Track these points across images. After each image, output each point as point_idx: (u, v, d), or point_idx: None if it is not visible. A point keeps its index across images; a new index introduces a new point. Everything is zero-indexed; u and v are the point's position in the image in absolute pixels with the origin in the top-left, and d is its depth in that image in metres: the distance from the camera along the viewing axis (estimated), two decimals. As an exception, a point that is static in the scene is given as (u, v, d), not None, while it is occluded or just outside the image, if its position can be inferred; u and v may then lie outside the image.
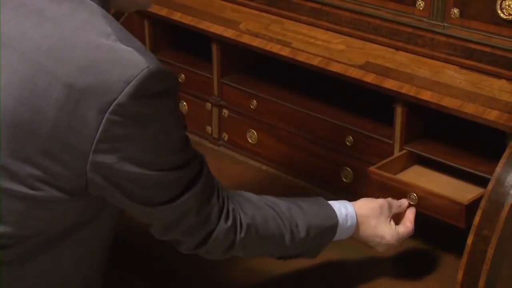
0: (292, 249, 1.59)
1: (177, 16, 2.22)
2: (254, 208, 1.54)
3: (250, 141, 2.17)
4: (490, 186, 1.56)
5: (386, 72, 1.83)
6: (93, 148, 1.33)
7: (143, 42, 2.32)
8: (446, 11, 1.77)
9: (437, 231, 1.82)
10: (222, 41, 2.13)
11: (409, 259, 1.80)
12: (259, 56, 2.08)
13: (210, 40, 2.17)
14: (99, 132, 1.32)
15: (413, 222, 1.72)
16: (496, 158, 1.60)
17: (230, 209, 1.49)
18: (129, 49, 1.34)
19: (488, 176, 1.62)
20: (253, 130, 2.16)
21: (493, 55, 1.71)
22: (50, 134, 1.34)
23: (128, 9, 1.65)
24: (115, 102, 1.31)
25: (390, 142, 1.88)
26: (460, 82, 1.74)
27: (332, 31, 1.98)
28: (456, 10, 1.76)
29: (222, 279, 1.75)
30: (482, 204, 1.55)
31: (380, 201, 1.70)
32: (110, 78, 1.31)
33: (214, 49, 2.17)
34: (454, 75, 1.76)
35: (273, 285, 1.75)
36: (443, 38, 1.79)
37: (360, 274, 1.76)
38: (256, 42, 2.04)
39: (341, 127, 1.98)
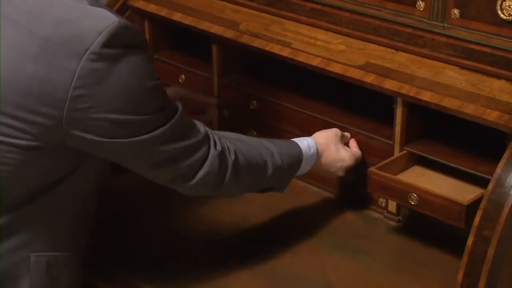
0: (271, 178, 1.70)
1: (177, 17, 2.23)
2: (236, 139, 1.68)
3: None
4: (490, 186, 1.56)
5: (386, 73, 1.83)
6: (69, 95, 1.43)
7: None
8: (446, 11, 1.77)
9: (437, 231, 1.84)
10: (222, 41, 2.13)
11: (409, 260, 1.80)
12: (259, 56, 2.08)
13: (210, 41, 2.17)
14: (74, 79, 1.42)
15: (358, 148, 1.92)
16: (496, 158, 1.60)
17: (216, 138, 1.62)
18: (101, 8, 1.47)
19: (488, 177, 1.61)
20: (253, 131, 2.16)
21: (493, 56, 1.71)
22: (27, 87, 1.44)
23: None
24: (89, 50, 1.41)
25: (390, 142, 1.88)
26: (460, 83, 1.74)
27: (332, 31, 1.98)
28: (456, 11, 1.76)
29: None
30: (482, 204, 1.55)
31: (333, 130, 1.89)
32: (83, 29, 1.43)
33: (214, 49, 2.18)
34: (454, 76, 1.76)
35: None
36: (443, 39, 1.79)
37: (360, 275, 1.76)
38: (256, 43, 2.04)
39: (341, 127, 1.97)
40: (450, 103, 1.72)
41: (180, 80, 2.29)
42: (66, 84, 1.43)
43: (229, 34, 2.10)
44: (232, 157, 1.62)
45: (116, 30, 1.42)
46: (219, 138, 1.62)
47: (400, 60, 1.85)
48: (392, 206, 1.92)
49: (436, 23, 1.79)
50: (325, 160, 1.84)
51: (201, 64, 2.26)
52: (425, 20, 1.81)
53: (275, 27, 2.06)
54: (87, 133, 1.47)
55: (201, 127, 1.60)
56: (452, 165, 1.79)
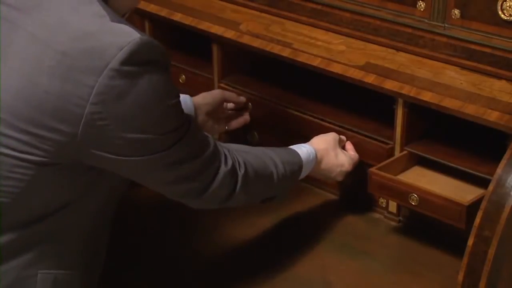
0: (276, 187, 1.70)
1: (177, 17, 2.23)
2: (243, 151, 1.65)
3: (251, 141, 2.16)
4: (491, 187, 1.56)
5: (386, 73, 1.83)
6: (86, 111, 1.38)
7: None
8: (447, 12, 1.77)
9: (438, 232, 1.84)
10: (222, 42, 2.13)
11: (410, 260, 1.80)
12: (259, 57, 2.08)
13: (211, 41, 2.17)
14: (92, 95, 1.37)
15: (355, 151, 1.92)
16: (497, 159, 1.60)
17: (226, 152, 1.59)
18: (122, 24, 1.41)
19: (488, 177, 1.62)
20: (254, 132, 2.16)
21: (493, 56, 1.72)
22: (40, 101, 1.39)
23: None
24: (108, 66, 1.36)
25: (391, 143, 1.89)
26: (461, 83, 1.74)
27: (333, 31, 1.98)
28: (456, 11, 1.76)
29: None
30: (483, 205, 1.55)
31: (331, 134, 1.88)
32: (103, 45, 1.37)
33: (215, 50, 2.17)
34: (455, 76, 1.76)
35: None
36: (444, 39, 1.79)
37: (360, 275, 1.76)
38: (257, 43, 2.04)
39: (342, 128, 1.97)
40: (450, 103, 1.73)
41: (180, 81, 2.28)
42: (83, 100, 1.37)
43: (229, 34, 2.09)
44: (242, 170, 1.60)
45: (138, 47, 1.37)
46: (229, 151, 1.60)
47: (400, 60, 1.85)
48: (393, 206, 1.92)
49: (437, 23, 1.80)
50: (325, 166, 1.84)
51: (201, 64, 2.25)
52: (426, 20, 1.81)
53: (275, 28, 2.06)
54: (101, 151, 1.43)
55: (211, 141, 1.57)
56: (453, 165, 1.79)
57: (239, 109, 2.09)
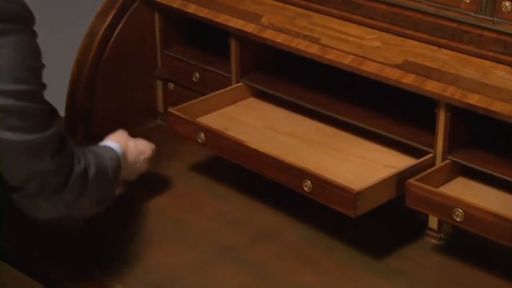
0: (111, 185, 1.80)
1: (191, 9, 2.18)
2: (89, 152, 1.74)
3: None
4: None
5: (427, 73, 1.79)
6: None
7: (153, 36, 2.30)
8: (496, 4, 1.74)
9: (485, 251, 1.80)
10: (242, 36, 2.09)
11: (453, 283, 1.76)
12: (283, 53, 2.03)
13: (229, 36, 2.13)
14: None
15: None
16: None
17: (80, 152, 1.69)
18: None
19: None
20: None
21: (550, 55, 1.70)
22: None
23: None
24: None
25: (431, 151, 1.84)
26: (512, 85, 1.71)
27: (366, 26, 1.96)
28: (507, 4, 1.73)
29: None
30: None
31: (119, 130, 1.95)
32: None
33: (233, 45, 2.13)
34: (505, 77, 1.72)
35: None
36: (493, 35, 1.76)
37: None
38: (280, 38, 2.00)
39: (374, 133, 1.94)
40: (500, 107, 1.68)
41: (194, 79, 2.24)
42: None
43: (249, 28, 2.05)
44: (92, 171, 1.68)
45: (1, 3, 1.48)
46: (83, 152, 1.69)
47: (443, 58, 1.82)
48: (433, 222, 1.88)
49: (484, 17, 1.77)
50: (131, 157, 1.91)
51: (218, 61, 2.21)
52: (472, 14, 1.79)
53: (301, 21, 2.03)
54: None
55: (69, 141, 1.66)
56: (502, 176, 1.75)
57: None
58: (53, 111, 1.69)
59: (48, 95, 1.61)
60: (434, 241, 1.87)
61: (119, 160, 1.82)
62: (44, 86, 1.59)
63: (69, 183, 1.63)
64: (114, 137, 1.91)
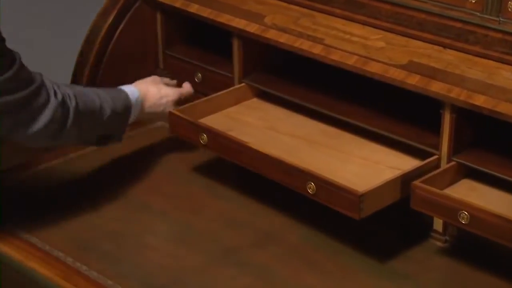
0: (109, 122, 1.89)
1: (193, 8, 2.18)
2: (72, 87, 1.86)
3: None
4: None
5: (432, 73, 1.79)
6: None
7: (155, 36, 2.30)
8: (502, 4, 1.75)
9: (491, 254, 1.79)
10: (244, 36, 2.09)
11: (458, 286, 1.75)
12: (286, 54, 2.03)
13: (231, 36, 2.12)
14: None
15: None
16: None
17: (56, 86, 1.79)
18: None
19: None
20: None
21: (557, 55, 1.70)
22: None
23: None
24: None
25: (436, 152, 1.82)
26: (519, 85, 1.70)
27: (370, 26, 1.96)
28: None
29: None
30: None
31: (150, 77, 2.11)
32: None
33: (236, 45, 2.12)
34: (511, 77, 1.72)
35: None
36: (498, 35, 1.76)
37: None
38: (284, 38, 2.00)
39: (378, 134, 1.92)
40: (506, 108, 1.67)
41: (196, 79, 2.23)
42: None
43: (252, 28, 2.05)
44: (73, 103, 1.79)
45: None
46: (58, 87, 1.78)
47: (448, 59, 1.81)
48: (438, 224, 1.86)
49: (490, 17, 1.77)
50: (150, 101, 2.02)
51: (220, 61, 2.21)
52: (478, 14, 1.79)
53: (305, 21, 2.03)
54: None
55: (38, 77, 1.74)
56: (508, 178, 1.74)
57: None
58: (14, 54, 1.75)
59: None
60: (439, 243, 1.85)
61: (126, 101, 1.92)
62: (3, 40, 1.67)
63: (43, 113, 1.72)
64: (136, 83, 2.03)
